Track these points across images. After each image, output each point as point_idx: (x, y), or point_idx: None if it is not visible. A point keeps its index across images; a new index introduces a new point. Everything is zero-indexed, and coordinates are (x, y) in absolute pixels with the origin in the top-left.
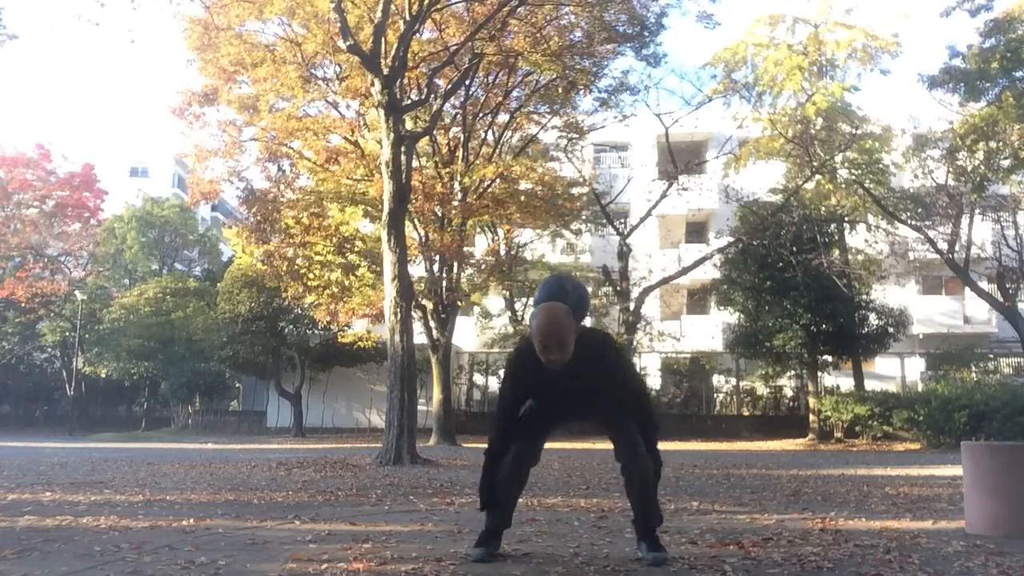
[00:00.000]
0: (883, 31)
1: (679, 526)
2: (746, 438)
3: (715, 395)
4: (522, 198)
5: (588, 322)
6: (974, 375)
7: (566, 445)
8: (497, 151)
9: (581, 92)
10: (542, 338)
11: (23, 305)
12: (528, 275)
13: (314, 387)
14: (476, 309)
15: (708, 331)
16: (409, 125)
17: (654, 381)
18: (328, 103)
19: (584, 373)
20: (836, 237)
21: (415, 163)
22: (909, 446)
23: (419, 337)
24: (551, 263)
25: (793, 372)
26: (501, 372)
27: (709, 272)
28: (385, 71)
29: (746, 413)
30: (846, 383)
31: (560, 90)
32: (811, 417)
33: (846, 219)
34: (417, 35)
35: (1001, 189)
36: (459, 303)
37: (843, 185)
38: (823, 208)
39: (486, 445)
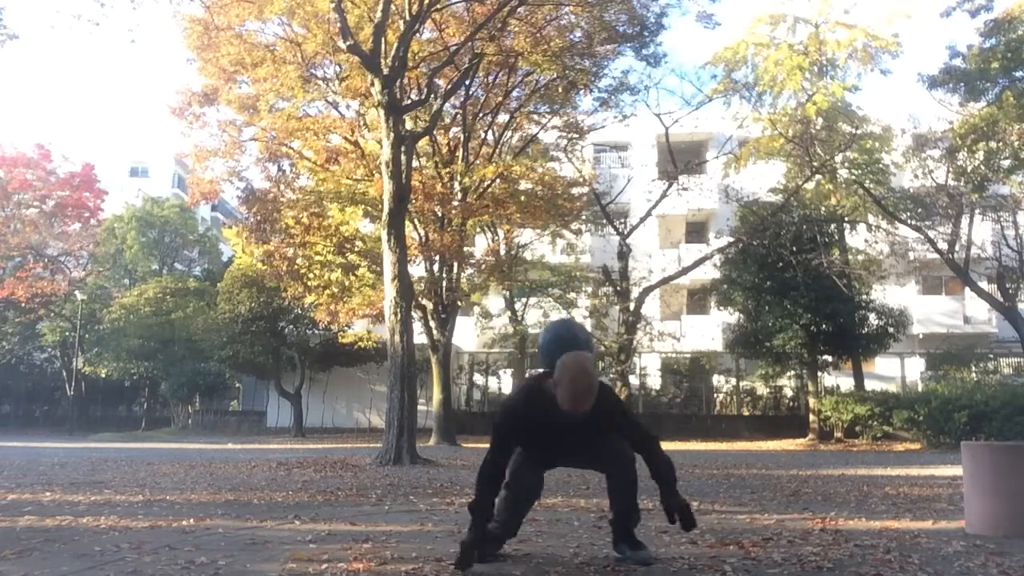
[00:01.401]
0: (883, 31)
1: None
2: (746, 438)
3: (715, 395)
4: (522, 198)
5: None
6: (974, 375)
7: None
8: (497, 151)
9: (581, 92)
10: (577, 388)
11: (23, 305)
12: (528, 275)
13: (314, 387)
14: (476, 309)
15: (708, 331)
16: (409, 125)
17: (654, 381)
18: (328, 103)
19: (592, 418)
20: (836, 237)
21: (415, 163)
22: (909, 446)
23: (419, 337)
24: (551, 263)
25: (793, 372)
26: (501, 373)
27: (709, 272)
28: (385, 71)
29: (746, 413)
30: (846, 383)
31: (560, 90)
32: (811, 417)
33: (846, 219)
34: (417, 35)
35: (1001, 189)
36: (459, 303)
37: (843, 185)
38: (823, 208)
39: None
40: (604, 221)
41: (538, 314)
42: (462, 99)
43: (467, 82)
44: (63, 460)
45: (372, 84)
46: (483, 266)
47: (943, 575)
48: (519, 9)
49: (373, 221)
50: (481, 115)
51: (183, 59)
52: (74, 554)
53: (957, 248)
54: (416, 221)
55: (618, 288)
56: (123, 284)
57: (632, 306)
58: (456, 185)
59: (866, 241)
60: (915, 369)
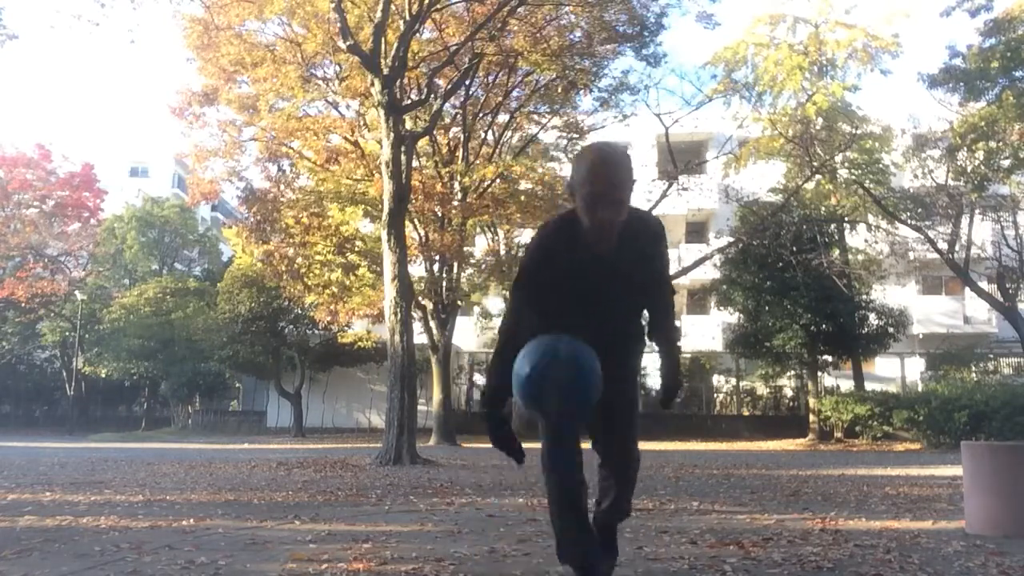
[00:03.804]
0: (883, 31)
1: (679, 526)
2: (746, 438)
3: (715, 395)
4: (522, 198)
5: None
6: (974, 375)
7: None
8: (497, 151)
9: (581, 92)
10: (594, 181)
11: (23, 305)
12: None
13: (314, 387)
14: (476, 309)
15: (708, 331)
16: (409, 125)
17: (654, 381)
18: (328, 103)
19: (631, 259)
20: (836, 237)
21: (415, 163)
22: (909, 446)
23: (419, 337)
24: None
25: (793, 372)
26: None
27: (709, 272)
28: (385, 71)
29: (746, 413)
30: (846, 383)
31: (560, 90)
32: (811, 417)
33: (846, 219)
34: (417, 35)
35: (1001, 189)
36: (459, 303)
37: (843, 185)
38: (823, 208)
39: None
40: None
41: None
42: (462, 99)
43: (467, 82)
44: (63, 460)
45: (372, 84)
46: (483, 266)
47: (943, 575)
48: (519, 9)
49: (373, 221)
50: (481, 115)
51: (183, 59)
52: (74, 554)
53: (957, 248)
54: (416, 221)
55: None
56: (123, 284)
57: None
58: (456, 185)
59: (866, 241)
60: (915, 369)
